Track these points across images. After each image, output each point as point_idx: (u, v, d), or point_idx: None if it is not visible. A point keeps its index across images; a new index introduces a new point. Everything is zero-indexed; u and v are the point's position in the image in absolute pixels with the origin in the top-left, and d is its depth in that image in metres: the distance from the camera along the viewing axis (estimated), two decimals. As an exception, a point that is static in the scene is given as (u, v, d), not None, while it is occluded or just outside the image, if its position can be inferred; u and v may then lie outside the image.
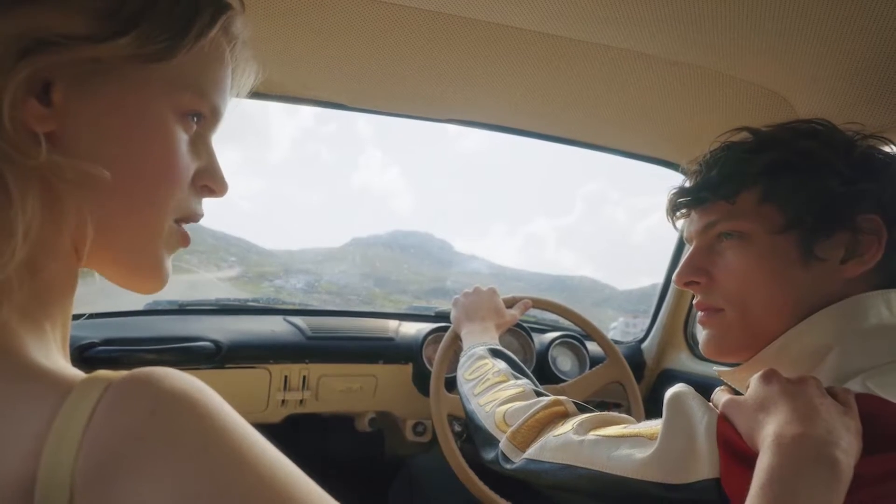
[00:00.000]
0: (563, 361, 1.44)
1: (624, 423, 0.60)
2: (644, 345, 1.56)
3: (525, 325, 1.43)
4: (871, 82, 0.74)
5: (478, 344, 0.99)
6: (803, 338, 0.54)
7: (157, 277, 0.42)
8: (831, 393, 0.46)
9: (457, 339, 1.15)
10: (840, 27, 0.66)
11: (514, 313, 1.18)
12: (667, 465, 0.48)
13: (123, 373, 0.29)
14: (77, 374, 0.31)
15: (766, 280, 0.57)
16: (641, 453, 0.51)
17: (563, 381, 1.28)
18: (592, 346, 1.44)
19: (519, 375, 0.85)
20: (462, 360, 0.99)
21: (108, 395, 0.28)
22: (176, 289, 1.45)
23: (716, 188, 0.60)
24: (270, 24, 0.78)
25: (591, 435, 0.58)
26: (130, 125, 0.37)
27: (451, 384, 1.33)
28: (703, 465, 0.46)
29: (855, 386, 0.47)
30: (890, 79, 0.72)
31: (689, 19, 0.68)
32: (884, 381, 0.47)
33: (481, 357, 0.93)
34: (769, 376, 0.48)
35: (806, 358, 0.54)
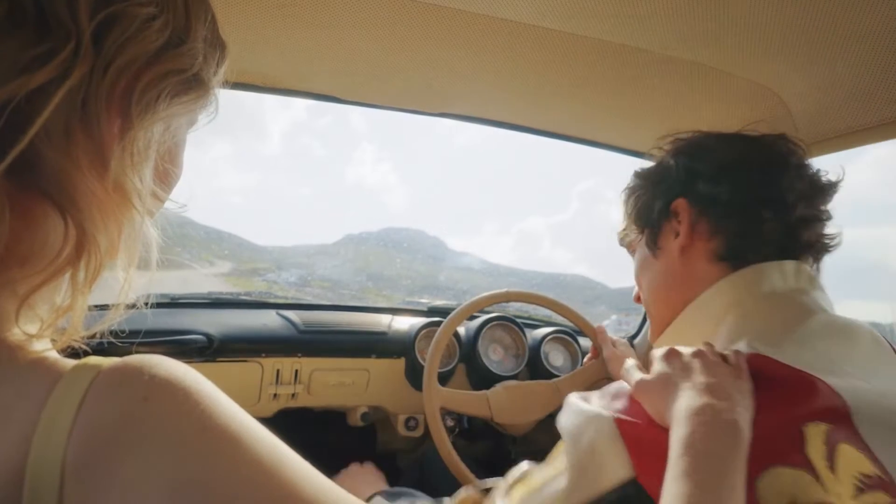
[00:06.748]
0: (556, 357, 1.44)
1: (541, 471, 0.59)
2: (636, 341, 1.57)
3: (518, 320, 1.44)
4: (862, 81, 0.75)
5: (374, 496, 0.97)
6: (708, 304, 0.61)
7: None
8: (724, 358, 0.51)
9: (450, 333, 1.14)
10: (832, 26, 0.66)
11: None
12: (582, 483, 0.49)
13: (114, 359, 0.29)
14: (67, 361, 0.31)
15: (641, 276, 0.72)
16: (562, 484, 0.51)
17: (556, 376, 1.28)
18: (585, 342, 1.45)
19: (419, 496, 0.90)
20: None
21: (100, 381, 0.28)
22: (168, 284, 1.44)
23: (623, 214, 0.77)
24: (264, 16, 0.78)
25: (517, 493, 0.57)
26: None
27: (443, 379, 1.33)
28: (616, 469, 0.47)
29: (741, 346, 0.53)
30: (880, 77, 0.73)
31: (682, 14, 0.69)
32: (770, 341, 0.52)
33: None
34: (669, 355, 0.54)
35: (709, 322, 0.60)
